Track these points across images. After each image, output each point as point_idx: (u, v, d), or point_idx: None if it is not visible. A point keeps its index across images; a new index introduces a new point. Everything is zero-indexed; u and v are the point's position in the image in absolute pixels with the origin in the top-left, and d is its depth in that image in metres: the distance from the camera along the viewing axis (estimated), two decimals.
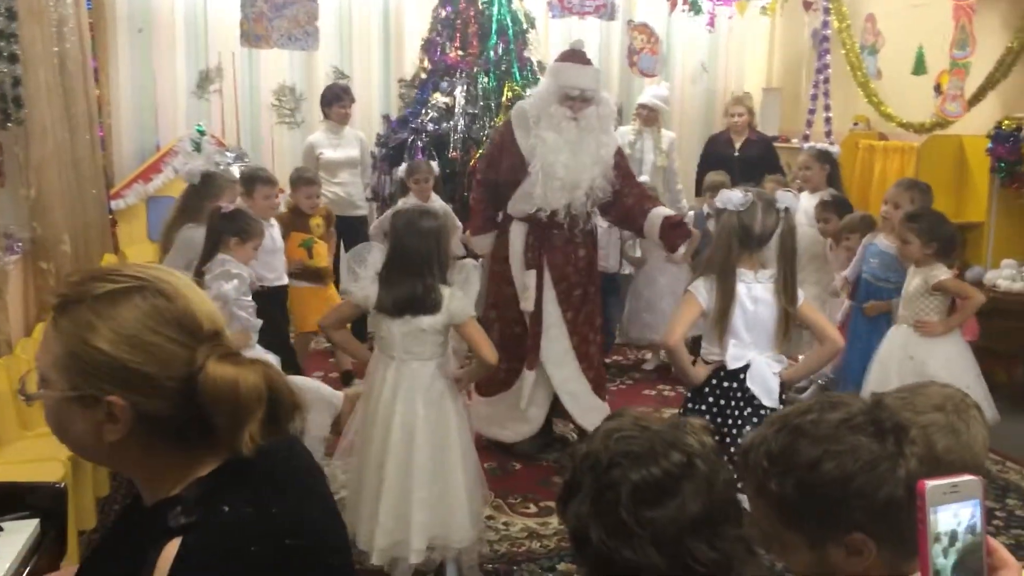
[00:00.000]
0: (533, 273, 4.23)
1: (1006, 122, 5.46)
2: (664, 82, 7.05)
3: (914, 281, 3.94)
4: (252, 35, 7.10)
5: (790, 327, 3.06)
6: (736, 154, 6.51)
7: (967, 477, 0.93)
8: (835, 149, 5.79)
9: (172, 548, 1.09)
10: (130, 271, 1.19)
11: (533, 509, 3.94)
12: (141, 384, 1.13)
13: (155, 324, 1.14)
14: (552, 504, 3.68)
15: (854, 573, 1.18)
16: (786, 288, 3.00)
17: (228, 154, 6.35)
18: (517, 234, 4.27)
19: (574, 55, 4.29)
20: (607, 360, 5.86)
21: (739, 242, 2.98)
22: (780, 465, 1.20)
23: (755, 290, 3.00)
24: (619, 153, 4.36)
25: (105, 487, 3.75)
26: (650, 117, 6.38)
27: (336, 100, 5.96)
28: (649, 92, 6.53)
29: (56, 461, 3.06)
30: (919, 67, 6.51)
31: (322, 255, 5.01)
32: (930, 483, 0.91)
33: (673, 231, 4.27)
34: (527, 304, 4.24)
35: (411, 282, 3.04)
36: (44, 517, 2.21)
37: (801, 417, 1.22)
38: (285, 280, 4.66)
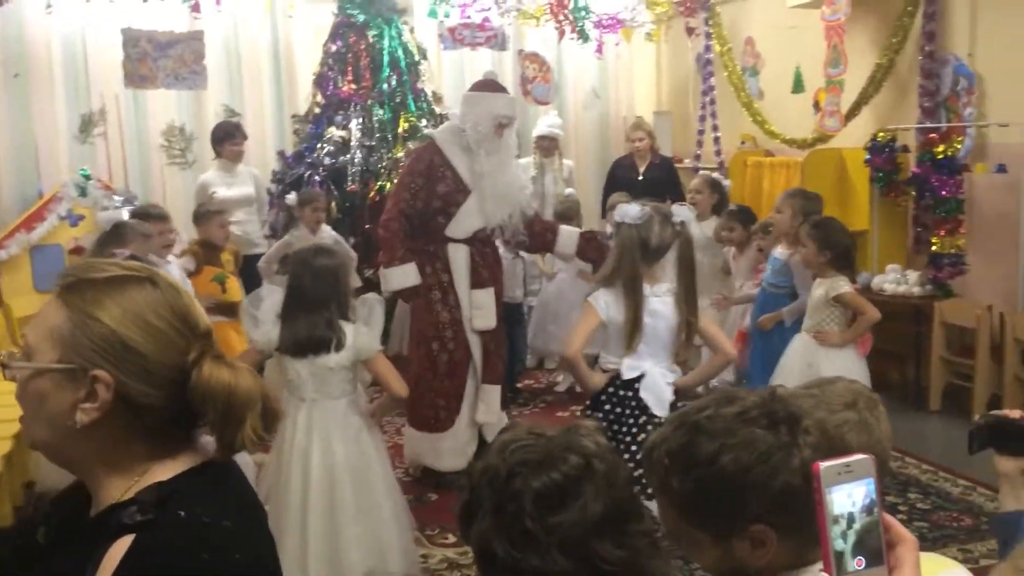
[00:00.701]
0: (491, 290, 4.37)
1: (881, 134, 5.75)
2: (553, 111, 7.16)
3: (817, 292, 4.08)
4: (136, 76, 6.90)
5: (691, 337, 3.12)
6: (640, 178, 6.67)
7: (859, 456, 0.93)
8: (727, 183, 5.99)
9: (123, 544, 1.08)
10: (141, 265, 1.24)
11: (451, 539, 3.89)
12: (134, 364, 1.14)
13: (161, 310, 1.17)
14: None
15: (760, 565, 1.20)
16: (687, 299, 3.06)
17: (116, 198, 6.13)
18: (460, 256, 4.33)
19: (496, 85, 4.45)
20: (518, 385, 5.90)
21: (641, 255, 3.03)
22: (680, 463, 1.22)
23: (651, 303, 3.06)
24: None
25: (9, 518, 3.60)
26: (550, 147, 6.48)
27: (228, 137, 5.85)
28: (544, 124, 6.61)
29: None
30: (798, 86, 6.83)
31: (235, 289, 4.94)
32: (824, 464, 0.91)
33: (589, 245, 4.54)
34: (488, 321, 4.34)
35: (311, 321, 3.00)
36: None
37: (698, 414, 1.24)
38: None
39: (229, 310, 4.83)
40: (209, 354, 1.18)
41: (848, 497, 0.91)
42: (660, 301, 3.07)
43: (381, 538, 3.05)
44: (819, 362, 3.97)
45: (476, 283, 4.35)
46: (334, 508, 2.97)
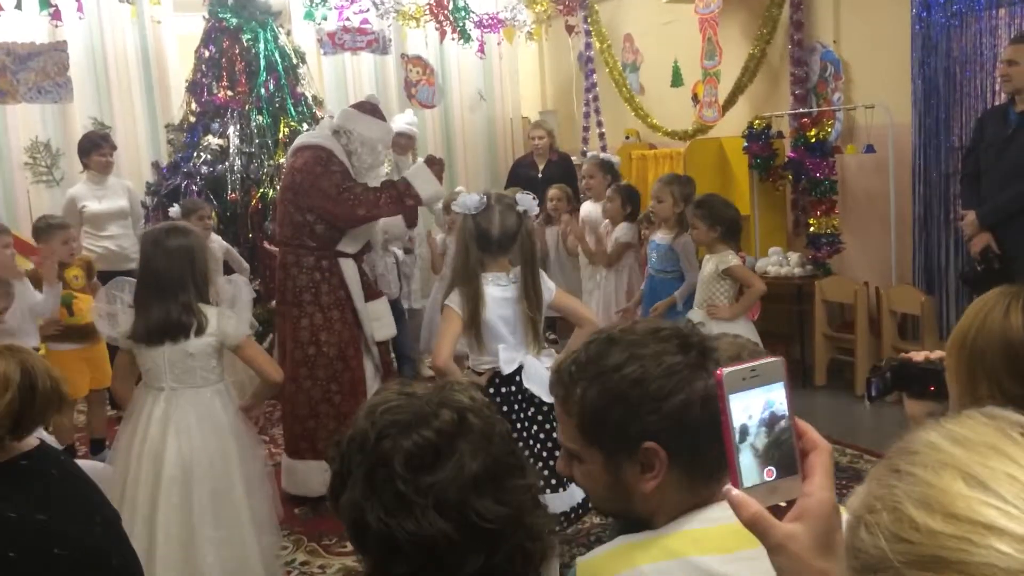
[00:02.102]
0: (385, 299, 4.35)
1: (757, 122, 5.90)
2: (408, 109, 7.08)
3: (707, 267, 4.15)
4: None
5: (538, 332, 3.01)
6: (540, 175, 6.72)
7: (766, 359, 0.85)
8: (616, 159, 6.04)
9: None
10: None
11: (349, 548, 3.77)
12: None
13: None
14: None
15: (648, 493, 1.18)
16: (527, 293, 2.94)
17: None
18: (351, 270, 4.19)
19: (380, 112, 4.31)
20: None
21: (478, 246, 2.93)
22: (588, 370, 1.21)
23: (510, 291, 2.95)
24: None
25: None
26: (407, 145, 6.41)
27: (94, 148, 5.56)
28: (402, 121, 6.47)
29: None
30: (676, 79, 6.97)
31: (84, 310, 4.40)
32: (727, 369, 0.84)
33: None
34: (390, 330, 4.31)
35: (165, 305, 2.81)
36: None
37: (614, 329, 1.25)
38: (35, 342, 4.16)
39: (80, 335, 4.40)
40: None
41: (754, 403, 0.84)
42: (504, 289, 2.95)
43: (243, 540, 2.88)
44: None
45: (368, 295, 4.27)
46: (190, 507, 2.79)
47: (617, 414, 1.19)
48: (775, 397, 0.84)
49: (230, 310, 2.92)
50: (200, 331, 2.82)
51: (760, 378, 0.84)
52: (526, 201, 2.98)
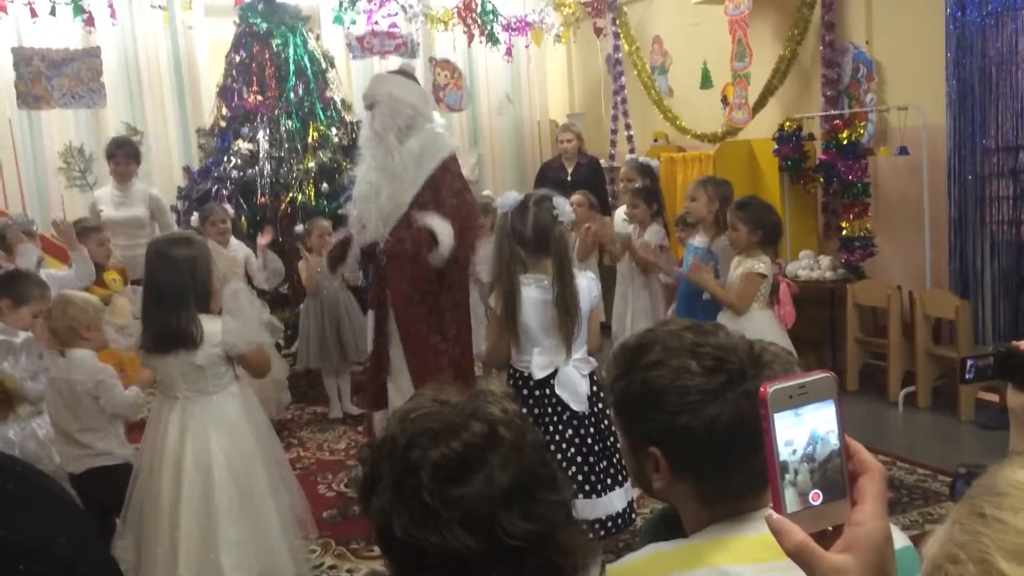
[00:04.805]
0: (371, 313, 3.93)
1: (787, 124, 5.85)
2: (435, 112, 7.03)
3: (738, 269, 4.07)
4: (30, 97, 6.63)
5: (569, 334, 2.94)
6: (569, 178, 6.70)
7: (815, 376, 0.79)
8: (655, 163, 5.97)
9: None
10: None
11: (377, 552, 3.77)
12: None
13: None
14: None
15: (659, 490, 1.26)
16: (563, 297, 2.90)
17: (12, 224, 5.85)
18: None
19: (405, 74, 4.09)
20: None
21: (515, 243, 2.92)
22: (622, 361, 1.28)
23: (551, 294, 2.92)
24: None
25: None
26: None
27: (109, 157, 5.64)
28: None
29: None
30: (706, 81, 6.92)
31: (124, 311, 4.54)
32: (773, 387, 0.77)
33: None
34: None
35: (168, 316, 2.81)
36: None
37: (666, 327, 1.28)
38: None
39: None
40: None
41: (801, 423, 0.78)
42: (545, 292, 2.92)
43: (264, 542, 2.89)
44: (743, 334, 3.95)
45: (369, 303, 4.12)
46: (209, 510, 2.80)
47: (632, 410, 1.27)
48: (824, 416, 0.79)
49: (231, 318, 2.90)
50: (194, 343, 2.81)
51: (808, 395, 0.79)
52: (561, 205, 2.97)
